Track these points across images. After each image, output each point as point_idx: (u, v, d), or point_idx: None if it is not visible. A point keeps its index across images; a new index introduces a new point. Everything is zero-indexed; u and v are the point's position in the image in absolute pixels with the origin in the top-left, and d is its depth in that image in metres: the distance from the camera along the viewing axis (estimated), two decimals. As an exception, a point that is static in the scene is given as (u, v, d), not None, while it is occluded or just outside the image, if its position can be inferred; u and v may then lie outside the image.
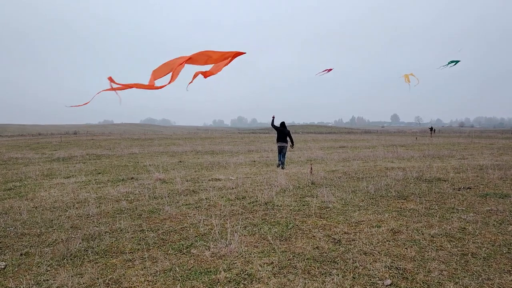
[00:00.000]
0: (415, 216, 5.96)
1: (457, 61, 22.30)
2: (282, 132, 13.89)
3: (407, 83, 20.39)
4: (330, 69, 25.30)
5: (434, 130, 78.40)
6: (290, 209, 6.65)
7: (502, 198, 7.28)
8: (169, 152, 23.00)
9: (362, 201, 7.30)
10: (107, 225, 5.92)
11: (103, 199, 8.17)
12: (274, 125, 14.09)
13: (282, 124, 14.11)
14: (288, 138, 13.94)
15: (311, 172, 11.12)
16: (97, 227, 5.78)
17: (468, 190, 8.19)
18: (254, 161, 16.86)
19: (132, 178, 11.58)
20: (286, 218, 6.05)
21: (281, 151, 13.95)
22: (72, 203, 7.72)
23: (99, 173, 13.16)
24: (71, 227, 5.84)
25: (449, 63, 22.42)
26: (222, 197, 7.96)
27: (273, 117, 14.33)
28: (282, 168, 13.69)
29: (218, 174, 12.19)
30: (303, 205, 7.01)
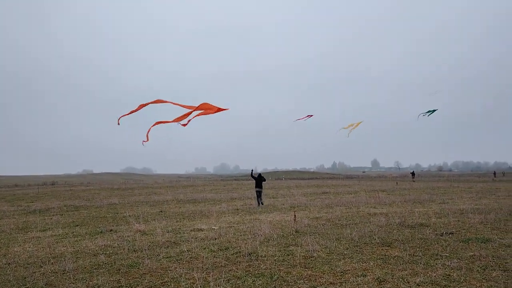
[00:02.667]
0: (400, 264, 5.92)
1: (434, 110, 23.46)
2: (259, 180, 18.86)
3: (347, 128, 21.20)
4: (310, 116, 25.99)
5: (414, 174, 79.51)
6: (275, 260, 6.52)
7: (484, 242, 7.34)
8: (150, 202, 22.57)
9: (347, 249, 7.24)
10: (84, 281, 5.66)
11: (80, 253, 7.86)
12: (253, 176, 19.36)
13: (259, 175, 19.19)
14: (263, 183, 19.22)
15: (295, 220, 11.04)
16: (73, 283, 5.52)
17: (450, 235, 8.24)
18: (237, 209, 16.68)
19: (111, 230, 11.25)
20: (270, 269, 5.91)
21: (260, 195, 18.66)
22: (47, 259, 7.39)
23: (77, 226, 12.75)
24: (45, 285, 5.56)
25: (427, 112, 23.55)
26: (205, 249, 7.77)
27: (252, 170, 20.64)
28: (262, 204, 18.18)
29: (200, 223, 11.97)
30: (288, 254, 6.90)
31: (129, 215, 14.80)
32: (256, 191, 18.73)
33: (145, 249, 7.88)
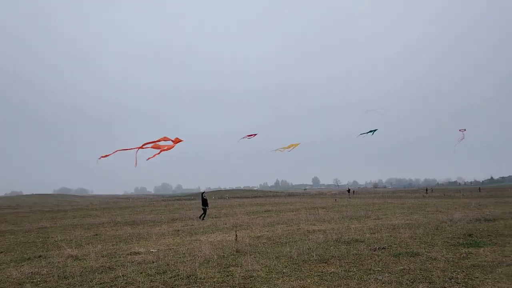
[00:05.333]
0: (336, 280, 6.09)
1: (375, 130, 24.82)
2: (203, 199, 23.16)
3: (286, 149, 22.00)
4: (254, 134, 26.28)
5: (353, 191, 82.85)
6: (214, 281, 6.43)
7: (413, 256, 7.78)
8: (84, 225, 21.34)
9: (286, 267, 7.32)
10: (4, 315, 5.19)
11: (3, 283, 7.21)
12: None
13: (202, 194, 24.03)
14: (205, 202, 23.09)
15: (236, 240, 10.99)
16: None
17: (383, 250, 8.64)
18: (178, 231, 16.27)
19: (40, 256, 10.45)
20: (208, 291, 5.81)
21: (205, 211, 22.59)
22: (-38, 292, 6.70)
23: (1, 252, 11.71)
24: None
25: (368, 132, 24.85)
26: (141, 273, 7.47)
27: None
28: (203, 218, 21.74)
29: (138, 246, 11.51)
30: (227, 275, 6.83)
31: (61, 240, 13.89)
32: (202, 208, 22.94)
33: (76, 276, 7.41)
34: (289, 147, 23.40)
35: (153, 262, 8.61)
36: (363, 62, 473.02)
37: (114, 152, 11.39)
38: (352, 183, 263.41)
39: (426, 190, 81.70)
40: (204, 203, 22.94)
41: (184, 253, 9.65)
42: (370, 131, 24.86)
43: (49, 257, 10.17)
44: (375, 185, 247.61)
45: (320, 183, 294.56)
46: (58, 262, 9.27)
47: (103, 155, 11.87)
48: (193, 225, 18.59)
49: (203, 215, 22.24)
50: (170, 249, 10.73)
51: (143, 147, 11.99)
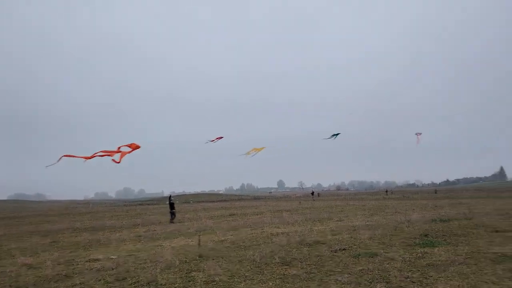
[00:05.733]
0: (297, 282, 6.16)
1: (338, 133, 25.41)
2: (170, 203, 23.78)
3: (250, 153, 22.21)
4: (221, 137, 26.19)
5: (317, 194, 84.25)
6: (175, 287, 6.35)
7: (372, 257, 7.99)
8: (41, 232, 20.43)
9: (248, 270, 7.33)
10: None
11: None
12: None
13: (169, 197, 24.61)
14: (172, 205, 23.73)
15: (199, 244, 10.89)
16: None
17: (343, 251, 8.83)
18: (140, 236, 15.91)
19: (-10, 266, 9.91)
20: (169, 297, 5.72)
21: (174, 214, 23.33)
22: None
23: None
24: None
25: (332, 136, 25.41)
26: (100, 280, 7.24)
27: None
28: (172, 221, 22.31)
29: (97, 253, 11.15)
30: (189, 280, 6.76)
31: (15, 248, 13.22)
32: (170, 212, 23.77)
33: (30, 285, 7.11)
34: (254, 150, 23.49)
35: (112, 269, 8.37)
36: (323, 64, 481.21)
37: (59, 160, 10.85)
38: (316, 185, 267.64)
39: (386, 192, 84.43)
40: (172, 206, 23.72)
41: (145, 259, 9.45)
42: (334, 135, 25.45)
43: (1, 266, 9.66)
44: (338, 188, 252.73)
45: (285, 186, 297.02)
46: (11, 271, 8.82)
47: (50, 164, 11.34)
48: (155, 230, 18.24)
49: (173, 218, 23.04)
50: (131, 255, 10.47)
51: (95, 155, 11.48)
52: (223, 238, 13.06)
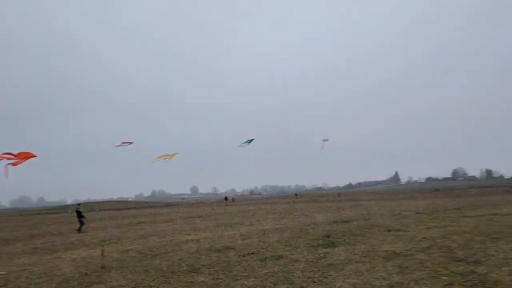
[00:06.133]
0: (204, 289, 6.09)
1: (252, 139, 25.77)
2: (77, 211, 23.55)
3: (163, 159, 21.95)
4: (130, 143, 25.02)
5: (231, 199, 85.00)
6: (71, 303, 5.87)
7: (278, 259, 8.24)
8: None
9: (154, 280, 7.10)
10: None
11: None
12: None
13: (78, 206, 24.44)
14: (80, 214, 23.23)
15: (102, 255, 10.28)
16: None
17: (251, 255, 8.97)
18: (36, 248, 14.55)
19: None
20: (63, 315, 5.28)
21: (82, 223, 22.70)
22: None
23: None
24: None
25: (245, 142, 25.69)
26: (-19, 302, 6.44)
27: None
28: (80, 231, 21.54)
29: (-19, 271, 9.92)
30: (88, 295, 6.31)
31: None
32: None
33: None
34: (165, 156, 22.88)
35: (1, 286, 7.53)
36: (239, 70, 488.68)
37: None
38: (230, 190, 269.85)
39: (296, 195, 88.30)
40: (79, 215, 23.30)
41: (41, 273, 8.67)
42: (247, 141, 25.86)
43: None
44: (251, 192, 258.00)
45: (199, 192, 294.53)
46: None
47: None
48: (55, 241, 16.84)
49: (81, 226, 22.47)
50: (24, 269, 9.53)
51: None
52: (129, 248, 12.49)
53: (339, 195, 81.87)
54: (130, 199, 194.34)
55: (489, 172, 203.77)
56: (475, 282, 5.60)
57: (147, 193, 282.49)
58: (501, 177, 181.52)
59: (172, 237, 15.22)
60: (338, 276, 6.53)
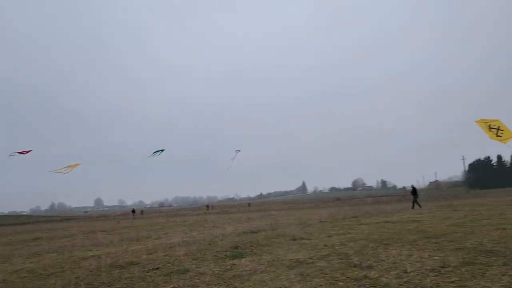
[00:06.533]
0: (101, 309, 5.74)
1: (163, 150, 24.94)
2: None
3: (61, 170, 20.72)
4: (28, 151, 22.69)
5: (141, 211, 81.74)
6: None
7: (184, 273, 8.09)
8: None
9: (45, 303, 6.48)
10: None
11: None
12: None
13: None
14: None
15: (-15, 278, 9.14)
16: None
17: (156, 270, 8.68)
18: None
19: None
20: None
21: None
22: None
23: None
24: None
25: (156, 152, 24.77)
26: None
27: None
28: None
29: None
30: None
31: None
32: None
33: None
34: (69, 167, 21.24)
35: None
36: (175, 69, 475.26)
37: None
38: (138, 203, 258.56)
39: (207, 206, 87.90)
40: None
41: None
42: (158, 151, 25.07)
43: None
44: (161, 204, 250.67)
45: (104, 204, 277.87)
46: None
47: None
48: None
49: None
50: None
51: None
52: (19, 267, 11.28)
53: (249, 205, 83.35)
54: (24, 213, 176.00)
55: (384, 183, 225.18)
56: (367, 286, 6.07)
57: (44, 206, 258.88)
58: (394, 187, 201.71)
59: (71, 253, 14.10)
60: (243, 287, 6.62)
